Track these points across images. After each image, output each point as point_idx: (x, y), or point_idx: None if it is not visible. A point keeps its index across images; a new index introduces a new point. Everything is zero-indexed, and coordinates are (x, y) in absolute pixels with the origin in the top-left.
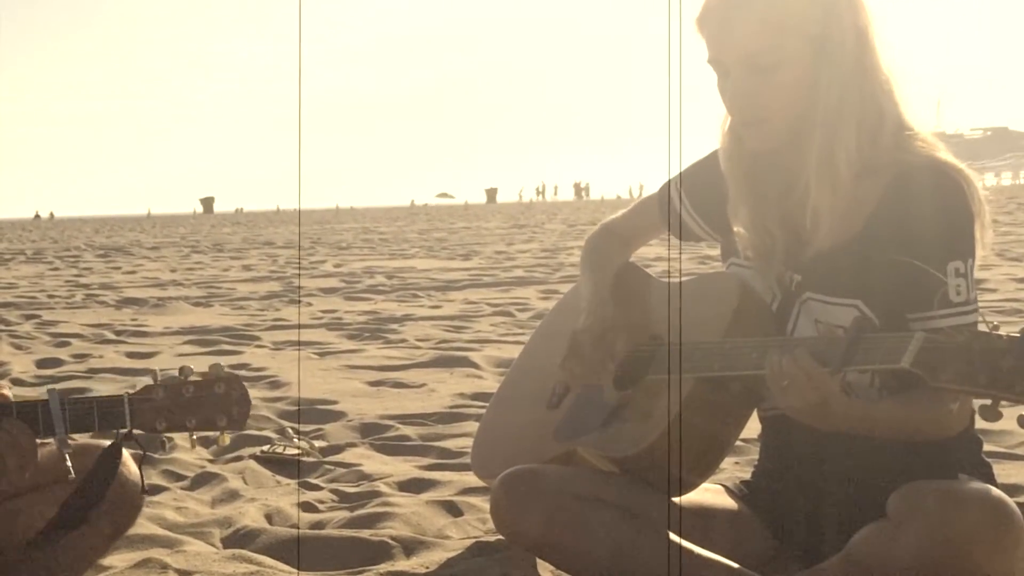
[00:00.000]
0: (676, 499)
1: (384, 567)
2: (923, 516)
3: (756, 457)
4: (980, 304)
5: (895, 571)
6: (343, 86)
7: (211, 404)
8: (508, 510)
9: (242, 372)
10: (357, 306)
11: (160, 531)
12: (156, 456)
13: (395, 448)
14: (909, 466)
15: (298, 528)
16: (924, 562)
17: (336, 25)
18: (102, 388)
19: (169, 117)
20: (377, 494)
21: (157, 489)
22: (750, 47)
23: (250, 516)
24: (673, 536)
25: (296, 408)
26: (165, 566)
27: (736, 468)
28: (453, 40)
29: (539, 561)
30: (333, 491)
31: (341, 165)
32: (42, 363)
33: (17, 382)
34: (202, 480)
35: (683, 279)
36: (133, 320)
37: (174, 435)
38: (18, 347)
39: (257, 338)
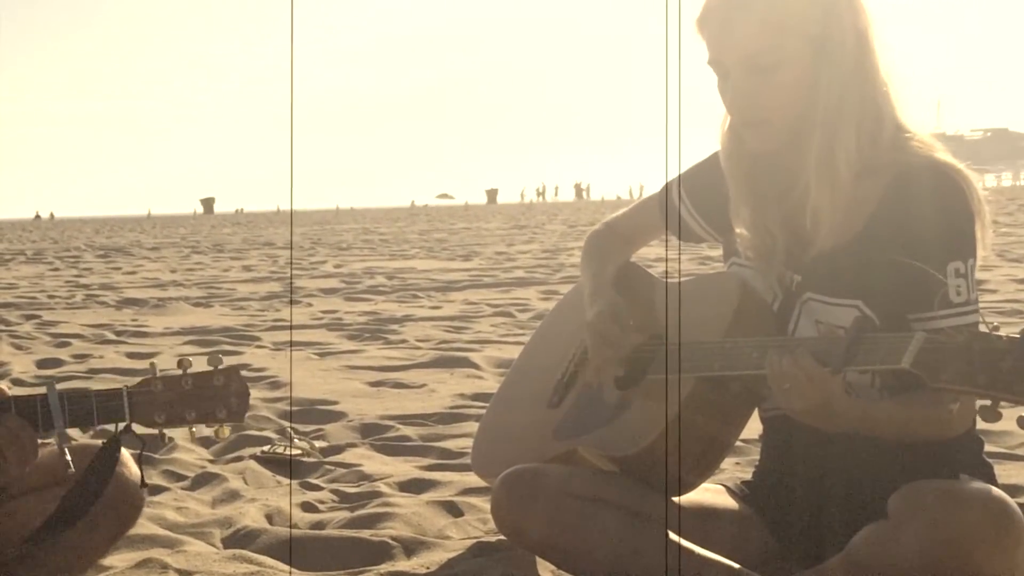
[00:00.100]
0: (677, 499)
1: (384, 567)
2: (924, 516)
3: (757, 457)
4: (980, 305)
5: (896, 571)
6: (343, 86)
7: (210, 396)
8: (509, 510)
9: (242, 372)
10: (357, 307)
11: (160, 531)
12: (156, 456)
13: (395, 448)
14: (910, 466)
15: (291, 528)
16: (925, 562)
17: (336, 25)
18: (102, 388)
19: (169, 117)
20: (377, 494)
21: (157, 489)
22: (750, 47)
23: (250, 516)
24: (674, 536)
25: (297, 408)
26: (165, 566)
27: (737, 468)
28: (453, 40)
29: (540, 561)
30: (333, 491)
31: (341, 165)
32: (42, 363)
33: (17, 382)
34: (202, 480)
35: (684, 279)
36: (133, 320)
37: (174, 430)
38: (18, 347)
39: (257, 338)
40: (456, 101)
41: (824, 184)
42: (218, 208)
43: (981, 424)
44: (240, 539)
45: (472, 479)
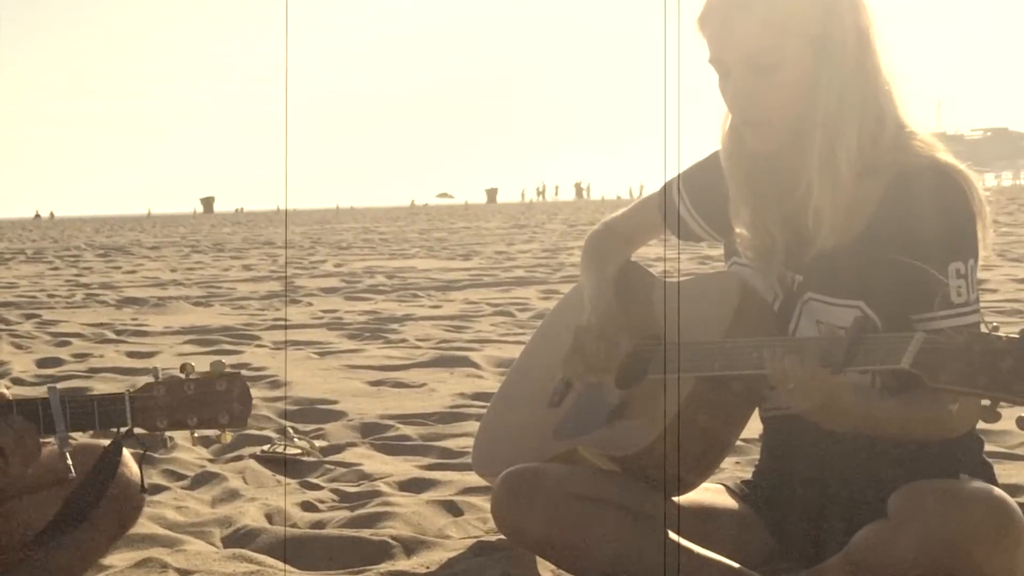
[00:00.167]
0: (676, 499)
1: (384, 567)
2: (924, 516)
3: (757, 457)
4: (981, 305)
5: (896, 571)
6: (344, 86)
7: (213, 402)
8: (509, 509)
9: (242, 372)
10: (357, 306)
11: (160, 530)
12: (156, 455)
13: (395, 448)
14: (910, 466)
15: (284, 527)
16: (925, 562)
17: (336, 25)
18: (102, 387)
19: (169, 117)
20: (377, 494)
21: (157, 488)
22: (752, 47)
23: (250, 516)
24: (673, 535)
25: (296, 408)
26: (165, 565)
27: (737, 468)
28: (453, 40)
29: (540, 560)
30: (333, 491)
31: (341, 165)
32: (42, 362)
33: (17, 381)
34: (202, 479)
35: (685, 278)
36: (133, 320)
37: (175, 433)
38: (18, 346)
39: (257, 338)
40: (456, 101)
41: (826, 184)
42: (218, 207)
43: (981, 424)
44: (240, 538)
45: (472, 478)
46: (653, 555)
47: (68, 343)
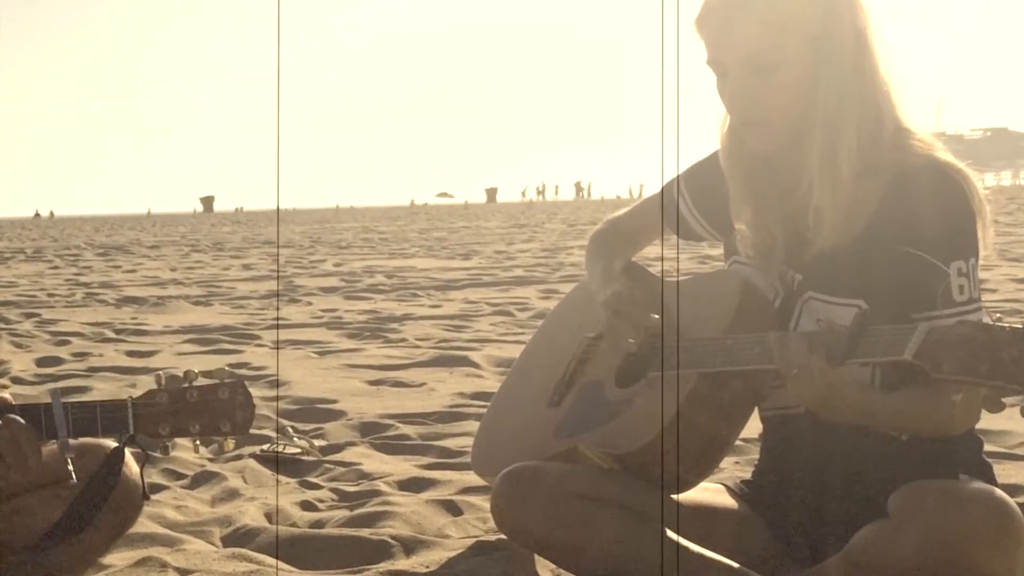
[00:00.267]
0: (676, 498)
1: (384, 566)
2: (924, 516)
3: (756, 457)
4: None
5: (895, 571)
6: (343, 86)
7: (215, 409)
8: (509, 508)
9: (242, 371)
10: (357, 305)
11: (160, 530)
12: (156, 455)
13: (395, 447)
14: (910, 466)
15: (276, 526)
16: (925, 562)
17: (336, 25)
18: (102, 387)
19: (169, 117)
20: (377, 493)
21: (157, 488)
22: (751, 47)
23: (250, 515)
24: (673, 535)
25: (296, 407)
26: (165, 565)
27: (736, 468)
28: (453, 40)
29: (539, 560)
30: (333, 490)
31: (341, 164)
32: (42, 362)
33: (17, 380)
34: (202, 479)
35: (686, 277)
36: (133, 319)
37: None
38: (18, 345)
39: (257, 337)
40: (456, 101)
41: (826, 184)
42: (218, 206)
43: (981, 423)
44: (239, 538)
45: (472, 478)
46: (653, 555)
47: (68, 342)
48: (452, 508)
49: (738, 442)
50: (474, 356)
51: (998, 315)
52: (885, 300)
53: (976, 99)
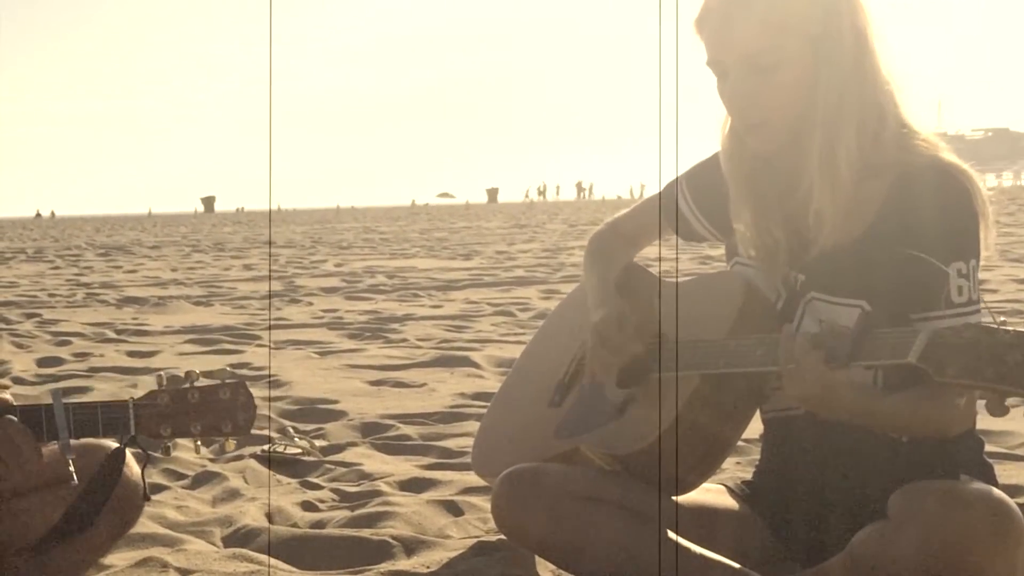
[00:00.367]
0: (677, 498)
1: (385, 566)
2: (924, 516)
3: (757, 457)
4: (982, 305)
5: (896, 571)
6: (343, 86)
7: (216, 410)
8: (509, 509)
9: (243, 371)
10: (358, 305)
11: (161, 530)
12: (158, 456)
13: (396, 447)
14: (910, 466)
15: (269, 526)
16: (925, 562)
17: (336, 25)
18: (103, 387)
19: (169, 117)
20: (378, 493)
21: (158, 488)
22: (751, 47)
23: (251, 515)
24: (673, 535)
25: (296, 407)
26: (165, 565)
27: (737, 468)
28: (453, 40)
29: (540, 560)
30: (334, 490)
31: (342, 164)
32: (43, 362)
33: (18, 380)
34: (203, 479)
35: (688, 279)
36: (134, 319)
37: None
38: (19, 346)
39: (258, 337)
40: (456, 101)
41: (826, 184)
42: (219, 207)
43: (982, 424)
44: (240, 538)
45: (472, 478)
46: (652, 555)
47: (68, 342)
48: (453, 508)
49: (740, 442)
50: (475, 356)
51: (1002, 318)
52: (886, 301)
53: (977, 99)
